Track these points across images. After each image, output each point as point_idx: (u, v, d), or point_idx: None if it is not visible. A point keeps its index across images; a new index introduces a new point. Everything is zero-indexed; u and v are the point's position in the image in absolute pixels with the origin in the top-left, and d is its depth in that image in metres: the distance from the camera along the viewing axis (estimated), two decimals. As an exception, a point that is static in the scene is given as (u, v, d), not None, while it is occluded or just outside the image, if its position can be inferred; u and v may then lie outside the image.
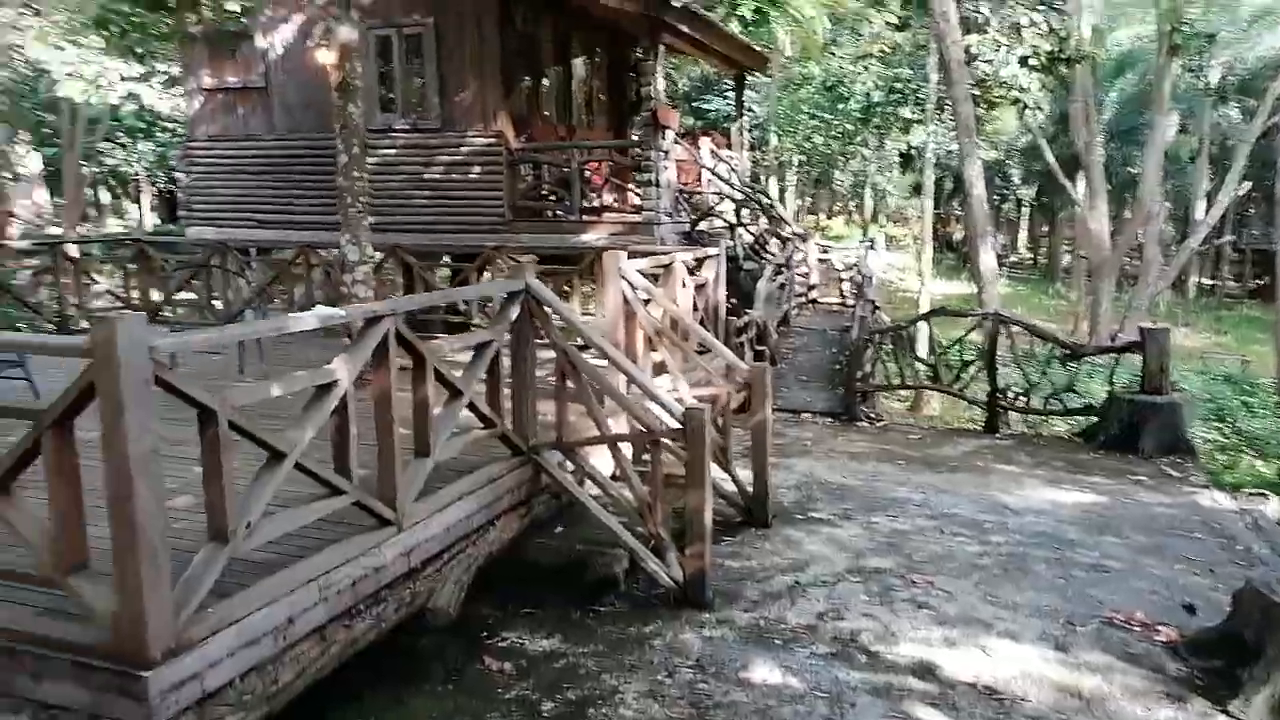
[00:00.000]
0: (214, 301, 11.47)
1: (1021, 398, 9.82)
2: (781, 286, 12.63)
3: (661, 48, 11.36)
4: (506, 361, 5.53)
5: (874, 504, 7.12)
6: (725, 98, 26.69)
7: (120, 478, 3.02)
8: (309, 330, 4.35)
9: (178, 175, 15.68)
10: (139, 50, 12.64)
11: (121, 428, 2.99)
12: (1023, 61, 15.99)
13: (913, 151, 36.32)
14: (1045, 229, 50.77)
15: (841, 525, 6.62)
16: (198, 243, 12.61)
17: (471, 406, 5.06)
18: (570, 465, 5.75)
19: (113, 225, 33.05)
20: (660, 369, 7.31)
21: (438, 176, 12.05)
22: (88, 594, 3.18)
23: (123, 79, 19.42)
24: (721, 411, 7.06)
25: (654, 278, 7.68)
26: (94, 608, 3.16)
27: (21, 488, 3.31)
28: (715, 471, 6.15)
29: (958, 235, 53.05)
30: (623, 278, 6.78)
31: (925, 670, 4.51)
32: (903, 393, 15.30)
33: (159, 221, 33.22)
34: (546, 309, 5.58)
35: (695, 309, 8.48)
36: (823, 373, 11.95)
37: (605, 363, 6.09)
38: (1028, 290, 38.66)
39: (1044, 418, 9.92)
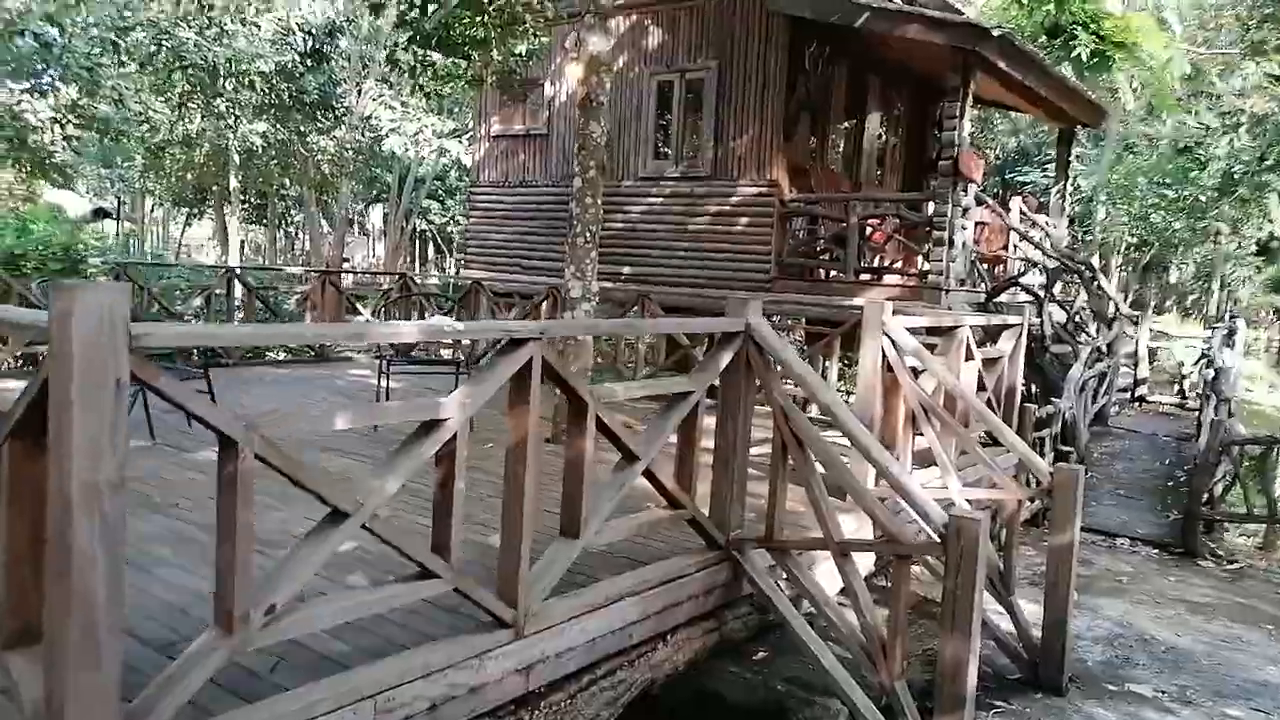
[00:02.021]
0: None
1: None
2: (1100, 376, 10.30)
3: (971, 90, 9.75)
4: (709, 421, 4.25)
5: (1228, 685, 4.97)
6: (1044, 170, 23.92)
7: (59, 513, 2.07)
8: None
9: (461, 219, 16.13)
10: (438, 95, 12.99)
11: (66, 440, 2.04)
12: None
13: (1274, 242, 30.82)
14: None
15: (1177, 711, 4.59)
16: (461, 283, 12.59)
17: (650, 477, 3.80)
18: (782, 572, 4.30)
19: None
20: (925, 459, 5.66)
21: (702, 226, 11.16)
22: (19, 675, 2.26)
23: (436, 135, 20.84)
24: (1007, 523, 5.31)
25: (930, 347, 6.08)
26: (23, 697, 2.24)
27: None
28: (988, 602, 4.45)
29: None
30: (885, 335, 5.28)
31: None
32: (1250, 528, 12.08)
33: (464, 274, 35.68)
34: (770, 360, 4.24)
35: (981, 389, 6.71)
36: (1148, 489, 9.45)
37: (845, 441, 4.63)
38: None
39: None
